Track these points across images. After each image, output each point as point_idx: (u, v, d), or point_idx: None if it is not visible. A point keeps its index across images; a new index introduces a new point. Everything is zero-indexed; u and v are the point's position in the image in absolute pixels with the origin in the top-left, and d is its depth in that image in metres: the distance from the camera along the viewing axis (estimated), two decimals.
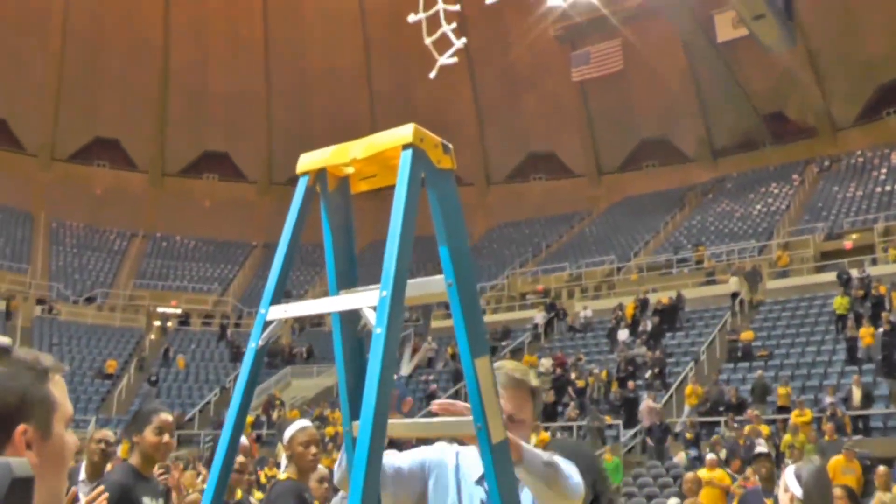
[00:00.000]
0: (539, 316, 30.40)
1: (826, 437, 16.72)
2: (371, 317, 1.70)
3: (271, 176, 47.73)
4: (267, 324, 1.92)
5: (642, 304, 27.77)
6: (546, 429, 20.23)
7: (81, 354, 32.74)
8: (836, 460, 14.00)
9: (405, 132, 1.80)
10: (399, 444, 3.13)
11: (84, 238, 43.81)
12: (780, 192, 37.46)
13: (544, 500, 2.27)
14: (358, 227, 2.23)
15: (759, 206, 36.29)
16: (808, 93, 39.63)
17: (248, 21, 46.00)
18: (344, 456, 2.28)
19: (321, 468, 5.18)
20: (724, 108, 41.51)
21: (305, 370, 33.67)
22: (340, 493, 4.85)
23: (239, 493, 5.57)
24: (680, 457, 18.85)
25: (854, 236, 29.23)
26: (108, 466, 5.40)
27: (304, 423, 4.89)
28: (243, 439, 5.33)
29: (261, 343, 1.91)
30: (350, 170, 2.01)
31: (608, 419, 21.99)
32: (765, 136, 41.91)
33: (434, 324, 33.29)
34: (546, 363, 25.83)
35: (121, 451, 8.68)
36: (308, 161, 2.00)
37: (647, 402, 20.88)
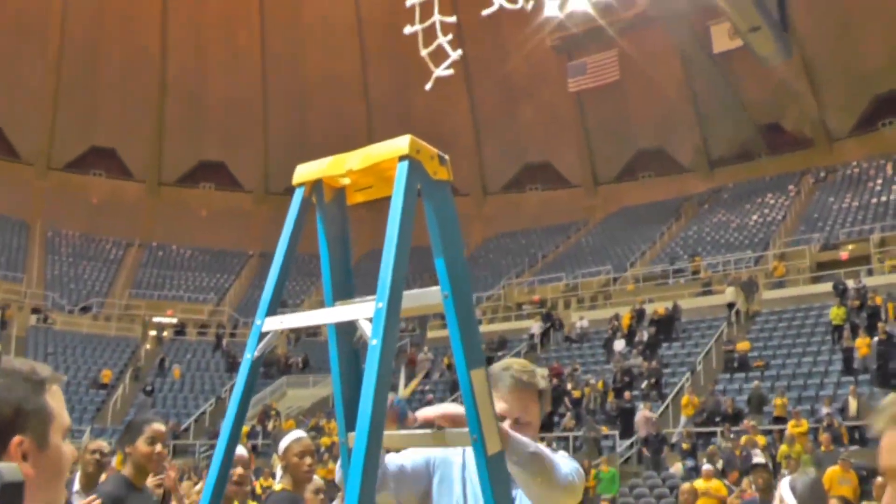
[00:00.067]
0: (535, 326, 30.40)
1: (822, 448, 16.71)
2: (367, 328, 1.70)
3: (268, 185, 47.72)
4: (262, 335, 1.92)
5: (638, 315, 27.78)
6: (542, 439, 20.18)
7: (76, 364, 32.66)
8: (832, 471, 13.98)
9: (401, 144, 1.80)
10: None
11: (80, 247, 43.76)
12: (776, 202, 37.52)
13: (529, 489, 2.26)
14: (355, 238, 2.23)
15: (755, 217, 36.35)
16: (804, 104, 39.73)
17: (246, 30, 46.07)
18: None
19: (317, 479, 5.17)
20: (720, 119, 41.59)
21: (301, 380, 33.63)
22: (340, 494, 4.84)
23: None
24: (676, 467, 18.83)
25: (850, 247, 29.27)
26: (103, 477, 5.37)
27: (300, 433, 4.88)
28: (243, 451, 5.31)
29: (256, 354, 1.90)
30: (346, 181, 2.01)
31: (604, 430, 21.98)
32: (761, 147, 41.99)
33: (430, 334, 33.27)
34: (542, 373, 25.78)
35: (115, 461, 8.65)
36: (304, 172, 2.01)
37: (642, 413, 20.87)
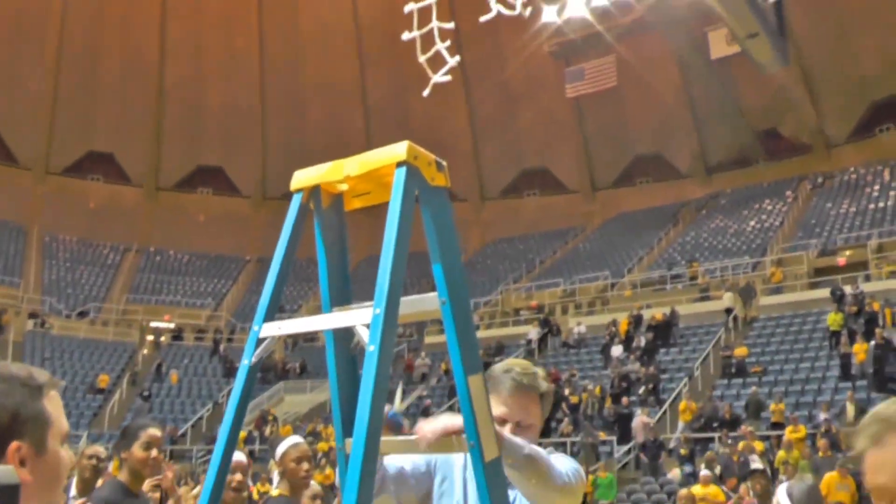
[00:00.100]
0: (533, 331, 30.40)
1: (820, 454, 16.71)
2: (364, 334, 1.70)
3: (265, 190, 47.73)
4: (260, 341, 1.92)
5: (636, 320, 27.78)
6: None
7: (73, 369, 32.62)
8: (830, 477, 13.97)
9: (399, 150, 1.81)
10: None
11: (77, 252, 43.73)
12: (773, 208, 37.56)
13: (526, 490, 2.26)
14: (353, 243, 2.23)
15: (752, 223, 36.38)
16: (801, 110, 39.80)
17: (244, 36, 46.11)
18: None
19: (314, 485, 5.16)
20: (717, 125, 41.64)
21: (299, 385, 33.60)
22: (337, 500, 4.83)
23: None
24: (674, 473, 18.82)
25: (847, 253, 29.29)
26: (100, 482, 5.37)
27: (297, 439, 4.87)
28: (242, 457, 5.31)
29: (254, 360, 1.90)
30: (344, 187, 2.02)
31: (602, 435, 21.96)
32: (758, 153, 42.04)
33: (427, 339, 33.26)
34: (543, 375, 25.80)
35: (112, 466, 8.63)
36: (302, 178, 2.01)
37: (640, 418, 20.88)
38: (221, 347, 36.29)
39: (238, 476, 4.94)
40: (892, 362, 20.02)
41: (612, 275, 34.98)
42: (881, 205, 32.88)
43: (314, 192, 2.01)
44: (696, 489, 14.00)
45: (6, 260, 39.35)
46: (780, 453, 17.10)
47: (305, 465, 4.65)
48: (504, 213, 47.00)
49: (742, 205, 39.10)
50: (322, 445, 23.65)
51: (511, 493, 2.30)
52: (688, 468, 18.67)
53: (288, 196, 2.00)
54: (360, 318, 1.74)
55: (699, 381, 23.62)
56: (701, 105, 42.25)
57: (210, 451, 26.61)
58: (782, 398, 20.24)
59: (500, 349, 30.17)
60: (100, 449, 5.57)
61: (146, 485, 4.21)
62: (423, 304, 1.89)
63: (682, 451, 19.48)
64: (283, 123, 47.08)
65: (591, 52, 39.98)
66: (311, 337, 35.07)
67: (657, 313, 27.60)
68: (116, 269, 43.51)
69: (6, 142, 43.83)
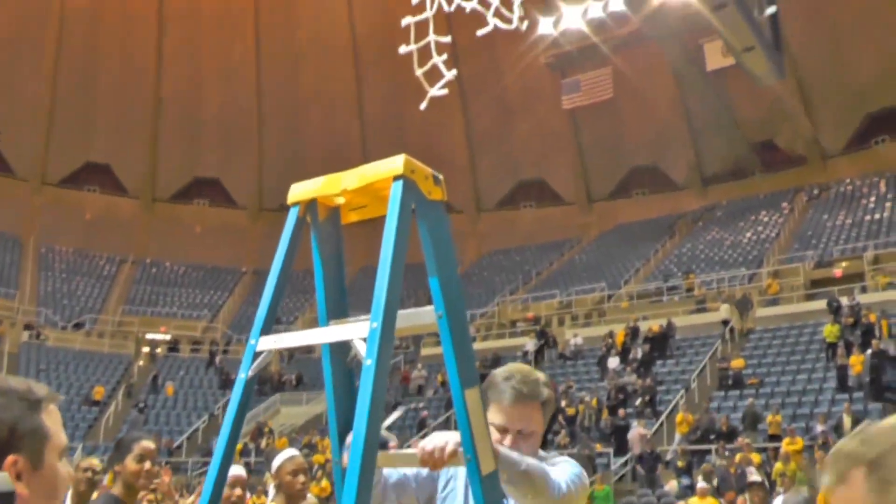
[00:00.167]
0: (529, 343, 30.38)
1: (818, 466, 16.67)
2: (361, 348, 1.70)
3: (262, 202, 47.74)
4: (257, 354, 1.92)
5: (633, 332, 27.77)
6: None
7: (69, 381, 32.53)
8: None
9: (396, 163, 1.81)
10: None
11: (73, 263, 43.68)
12: (769, 220, 37.62)
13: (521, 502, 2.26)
14: (349, 253, 2.23)
15: (749, 234, 36.43)
16: (797, 122, 39.91)
17: (241, 47, 46.20)
18: None
19: (310, 497, 5.15)
20: (714, 137, 41.74)
21: (295, 398, 33.53)
22: None
23: None
24: (671, 485, 18.79)
25: (844, 264, 29.34)
26: (94, 495, 5.35)
27: (292, 452, 4.87)
28: (242, 471, 5.30)
29: (250, 374, 1.90)
30: (341, 200, 2.02)
31: (599, 447, 21.92)
32: (755, 165, 42.13)
33: (424, 351, 33.22)
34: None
35: (107, 479, 8.61)
36: (299, 191, 2.01)
37: (637, 430, 20.85)
38: (217, 359, 36.22)
39: (238, 491, 4.93)
40: (889, 371, 20.02)
41: (608, 286, 34.99)
42: (877, 216, 32.94)
43: (311, 205, 2.01)
44: (694, 501, 13.99)
45: (2, 271, 39.30)
46: (778, 465, 17.07)
47: (301, 478, 4.64)
48: (500, 224, 47.02)
49: (738, 216, 39.16)
50: (318, 458, 23.59)
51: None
52: (685, 480, 18.65)
53: (284, 208, 2.00)
54: (358, 331, 1.74)
55: (696, 392, 23.60)
56: (697, 117, 42.35)
57: (206, 464, 26.53)
58: (779, 410, 20.22)
59: (497, 361, 30.07)
60: (95, 461, 5.55)
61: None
62: (420, 317, 1.89)
63: (680, 463, 19.45)
64: (279, 135, 47.14)
65: (588, 63, 40.07)
66: (307, 349, 35.02)
67: (654, 325, 27.60)
68: (112, 281, 43.45)
69: (3, 152, 43.82)
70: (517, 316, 35.59)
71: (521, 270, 41.96)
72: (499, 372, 2.67)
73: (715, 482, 16.34)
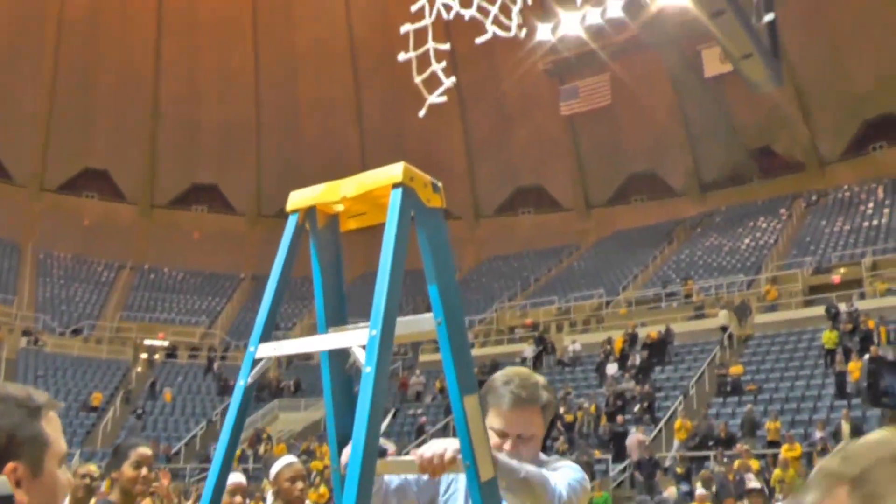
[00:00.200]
0: (528, 350, 30.37)
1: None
2: (361, 355, 1.70)
3: (260, 208, 47.74)
4: (256, 362, 1.92)
5: (631, 338, 27.77)
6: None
7: (67, 387, 32.47)
8: None
9: (395, 171, 1.81)
10: None
11: (72, 269, 43.65)
12: (768, 226, 37.64)
13: None
14: (348, 259, 2.24)
15: (747, 241, 36.44)
16: (795, 128, 39.96)
17: (239, 54, 46.23)
18: None
19: None
20: (712, 143, 41.79)
21: (293, 404, 33.48)
22: None
23: None
24: (670, 491, 18.77)
25: (842, 270, 29.36)
26: (92, 502, 5.34)
27: (291, 458, 4.87)
28: (242, 479, 5.30)
29: (249, 381, 1.90)
30: (340, 207, 2.02)
31: (597, 453, 21.91)
32: (753, 171, 42.17)
33: (422, 357, 33.21)
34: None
35: (104, 486, 8.59)
36: (298, 199, 2.01)
37: (635, 436, 20.84)
38: (215, 365, 36.18)
39: (237, 499, 4.94)
40: (886, 376, 20.00)
41: (606, 293, 34.99)
42: (875, 222, 32.98)
43: (310, 212, 2.02)
44: None
45: (0, 277, 39.25)
46: (777, 472, 17.08)
47: (300, 485, 4.64)
48: (499, 230, 47.03)
49: (736, 222, 39.19)
50: (316, 464, 23.56)
51: None
52: (684, 487, 18.62)
53: (283, 214, 2.01)
54: (357, 339, 1.75)
55: (694, 399, 23.59)
56: (695, 123, 42.40)
57: (204, 470, 26.51)
58: (778, 416, 20.22)
59: (495, 367, 30.02)
60: (92, 468, 5.54)
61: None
62: (419, 324, 1.90)
63: (679, 470, 19.44)
64: (278, 141, 47.16)
65: (586, 70, 40.11)
66: (305, 355, 34.96)
67: (652, 331, 27.60)
68: (111, 287, 43.42)
69: (1, 158, 43.82)
70: (515, 322, 35.58)
71: (520, 277, 41.97)
72: (498, 376, 2.66)
73: (714, 489, 16.33)
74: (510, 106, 45.27)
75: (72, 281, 42.48)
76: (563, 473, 2.43)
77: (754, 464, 17.64)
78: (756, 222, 38.38)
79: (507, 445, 2.51)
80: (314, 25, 45.33)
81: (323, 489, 19.87)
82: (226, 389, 33.08)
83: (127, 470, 4.00)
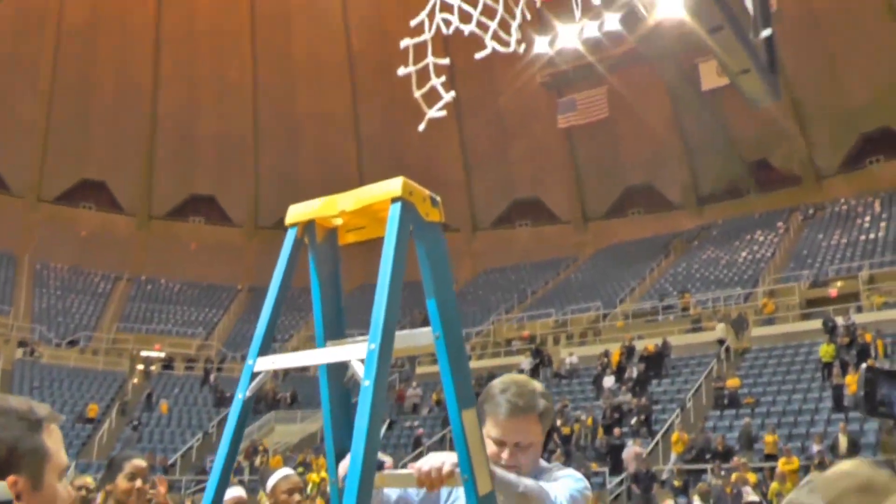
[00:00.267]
0: (525, 362, 30.35)
1: None
2: (359, 369, 1.71)
3: (257, 220, 47.73)
4: (254, 375, 1.92)
5: (628, 351, 27.76)
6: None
7: (63, 398, 32.35)
8: None
9: (394, 186, 1.82)
10: None
11: (68, 280, 43.58)
12: (765, 239, 37.69)
13: None
14: (346, 271, 2.24)
15: (744, 254, 36.48)
16: (792, 141, 40.05)
17: (237, 66, 46.31)
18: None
19: None
20: (709, 156, 41.87)
21: (289, 416, 33.39)
22: None
23: None
24: None
25: (839, 284, 29.38)
26: None
27: (287, 471, 4.87)
28: (243, 493, 5.29)
29: (248, 394, 1.91)
30: (339, 221, 2.03)
31: (594, 466, 21.87)
32: (750, 184, 42.24)
33: (419, 369, 33.18)
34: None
35: (100, 498, 8.57)
36: (297, 213, 2.02)
37: (632, 448, 20.80)
38: (212, 377, 36.07)
39: None
40: (884, 385, 19.98)
41: (603, 305, 34.99)
42: (872, 236, 33.03)
43: (309, 226, 2.02)
44: None
45: None
46: (774, 485, 17.05)
47: (296, 497, 4.64)
48: (496, 243, 47.04)
49: (733, 236, 39.23)
50: (313, 476, 23.49)
51: None
52: (681, 500, 18.60)
53: (280, 225, 2.01)
54: (356, 352, 1.75)
55: (691, 412, 23.57)
56: (692, 136, 42.49)
57: (200, 482, 26.43)
58: (775, 429, 20.20)
59: (492, 380, 30.06)
60: (88, 479, 5.53)
61: None
62: (418, 338, 1.90)
63: (676, 483, 19.41)
64: (275, 153, 47.20)
65: (583, 83, 40.21)
66: (302, 367, 34.91)
67: (649, 344, 27.60)
68: (107, 298, 43.36)
69: None
70: (512, 335, 35.56)
71: (517, 289, 41.96)
72: (495, 383, 2.65)
73: (711, 502, 16.30)
74: (508, 119, 45.34)
75: (68, 292, 42.42)
76: (564, 483, 2.43)
77: (751, 477, 17.61)
78: (753, 235, 38.43)
79: (505, 454, 2.50)
80: (312, 38, 45.42)
81: (319, 501, 19.80)
82: (222, 401, 32.99)
83: (121, 482, 3.99)
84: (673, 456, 21.22)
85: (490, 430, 2.53)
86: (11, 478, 1.31)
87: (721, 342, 26.56)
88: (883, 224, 33.62)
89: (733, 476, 17.42)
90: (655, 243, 41.89)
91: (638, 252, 41.12)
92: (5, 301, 38.52)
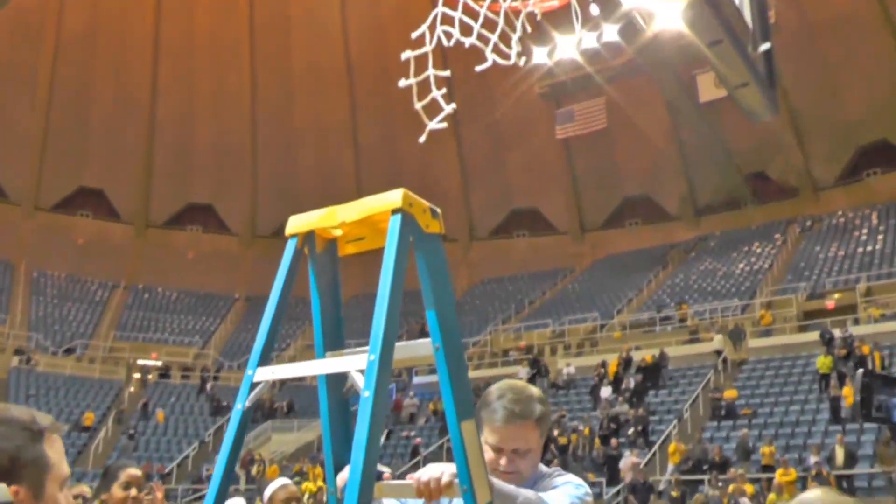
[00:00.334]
0: (522, 372, 30.29)
1: None
2: (359, 380, 1.71)
3: (255, 229, 47.71)
4: (254, 385, 1.92)
5: (625, 362, 27.76)
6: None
7: (59, 406, 32.26)
8: None
9: (394, 197, 1.82)
10: None
11: (65, 288, 43.52)
12: (762, 251, 37.72)
13: None
14: (345, 280, 2.24)
15: (741, 265, 36.50)
16: (790, 154, 40.12)
17: (235, 75, 46.34)
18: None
19: None
20: (706, 168, 41.91)
21: (286, 425, 33.33)
22: None
23: None
24: None
25: (836, 296, 29.40)
26: None
27: (284, 480, 4.86)
28: (242, 503, 5.29)
29: (248, 405, 1.91)
30: (338, 232, 2.03)
31: (591, 477, 21.82)
32: (747, 196, 42.28)
33: (416, 379, 33.13)
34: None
35: None
36: (297, 224, 2.02)
37: (629, 458, 20.77)
38: (208, 386, 36.02)
39: None
40: (882, 390, 19.98)
41: (601, 316, 35.00)
42: (869, 248, 33.08)
43: (308, 237, 2.03)
44: None
45: None
46: (771, 496, 17.04)
47: None
48: (493, 253, 47.03)
49: (731, 247, 39.25)
50: (309, 485, 23.42)
51: None
52: None
53: (277, 234, 2.03)
54: (355, 363, 1.75)
55: (688, 423, 23.56)
56: (690, 148, 42.53)
57: (196, 490, 26.37)
58: (772, 441, 20.19)
59: None
60: (85, 488, 5.52)
61: None
62: (417, 349, 1.90)
63: (674, 493, 19.38)
64: (273, 162, 47.20)
65: (581, 93, 40.26)
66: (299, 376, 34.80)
67: (646, 355, 27.59)
68: (104, 306, 43.29)
69: None
70: (510, 345, 35.53)
71: (514, 299, 41.96)
72: (492, 389, 2.62)
73: None
74: (506, 129, 45.36)
75: (65, 300, 42.35)
76: (564, 491, 2.41)
77: (749, 488, 17.60)
78: (750, 247, 38.46)
79: (503, 461, 2.49)
80: (311, 49, 45.47)
81: None
82: (219, 410, 32.93)
83: (116, 491, 3.98)
84: (670, 467, 21.20)
85: (487, 436, 2.52)
86: (13, 488, 1.31)
87: (718, 353, 26.56)
88: (880, 236, 33.68)
89: (730, 487, 17.42)
90: (653, 254, 41.92)
91: (635, 263, 41.14)
92: (1, 309, 38.47)
